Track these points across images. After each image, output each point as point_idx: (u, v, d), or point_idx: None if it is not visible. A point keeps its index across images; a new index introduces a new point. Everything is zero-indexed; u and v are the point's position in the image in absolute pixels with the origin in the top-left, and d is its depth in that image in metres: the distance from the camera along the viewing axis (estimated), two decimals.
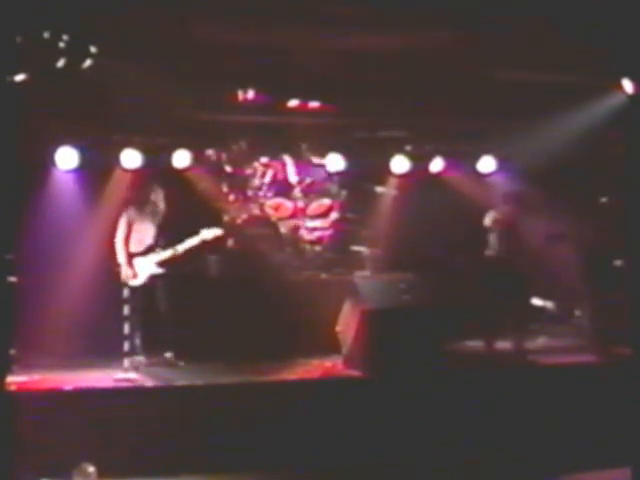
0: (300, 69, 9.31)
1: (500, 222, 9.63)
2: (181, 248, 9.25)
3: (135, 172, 10.32)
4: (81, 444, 7.34)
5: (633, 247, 7.11)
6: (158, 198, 9.37)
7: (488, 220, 9.75)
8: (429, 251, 10.70)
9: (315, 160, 11.25)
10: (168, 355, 9.16)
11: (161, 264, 9.23)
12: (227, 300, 10.01)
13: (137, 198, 9.51)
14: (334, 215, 11.30)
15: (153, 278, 9.20)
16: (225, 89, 9.89)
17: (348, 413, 8.07)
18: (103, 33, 8.15)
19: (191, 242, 9.28)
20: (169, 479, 7.39)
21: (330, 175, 11.31)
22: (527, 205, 9.75)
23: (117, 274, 9.11)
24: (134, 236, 9.26)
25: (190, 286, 9.96)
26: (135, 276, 9.08)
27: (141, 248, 9.23)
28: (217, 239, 9.52)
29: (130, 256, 9.16)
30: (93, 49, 8.21)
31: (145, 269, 9.16)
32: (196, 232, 9.31)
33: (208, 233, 9.33)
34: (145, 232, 9.29)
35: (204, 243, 9.36)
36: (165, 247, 9.27)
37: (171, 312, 9.19)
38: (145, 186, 9.55)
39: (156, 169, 10.33)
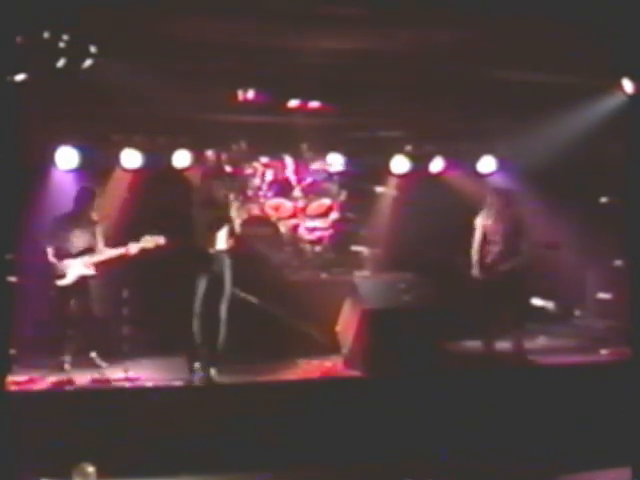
0: (300, 69, 9.31)
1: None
2: (110, 252, 9.00)
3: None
4: (81, 444, 7.34)
5: (633, 247, 7.10)
6: (92, 210, 9.16)
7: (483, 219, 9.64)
8: (429, 251, 10.69)
9: (315, 160, 11.26)
10: (92, 355, 9.06)
11: (93, 265, 9.02)
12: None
13: (74, 210, 9.21)
14: (334, 215, 11.30)
15: (84, 279, 9.00)
16: (225, 89, 9.89)
17: (348, 413, 8.08)
18: (103, 33, 8.15)
19: (125, 249, 8.96)
20: (169, 479, 7.40)
21: (330, 175, 11.31)
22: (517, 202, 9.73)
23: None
24: (67, 243, 9.00)
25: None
26: (63, 276, 8.95)
27: (73, 252, 9.00)
28: (160, 247, 9.01)
29: (61, 257, 8.95)
30: (93, 49, 8.22)
31: (74, 270, 8.96)
32: (137, 239, 8.95)
33: (149, 241, 8.94)
34: (77, 240, 9.01)
35: (144, 251, 8.96)
36: (100, 250, 9.07)
37: (102, 313, 9.13)
38: (80, 199, 9.22)
39: (152, 170, 10.34)
